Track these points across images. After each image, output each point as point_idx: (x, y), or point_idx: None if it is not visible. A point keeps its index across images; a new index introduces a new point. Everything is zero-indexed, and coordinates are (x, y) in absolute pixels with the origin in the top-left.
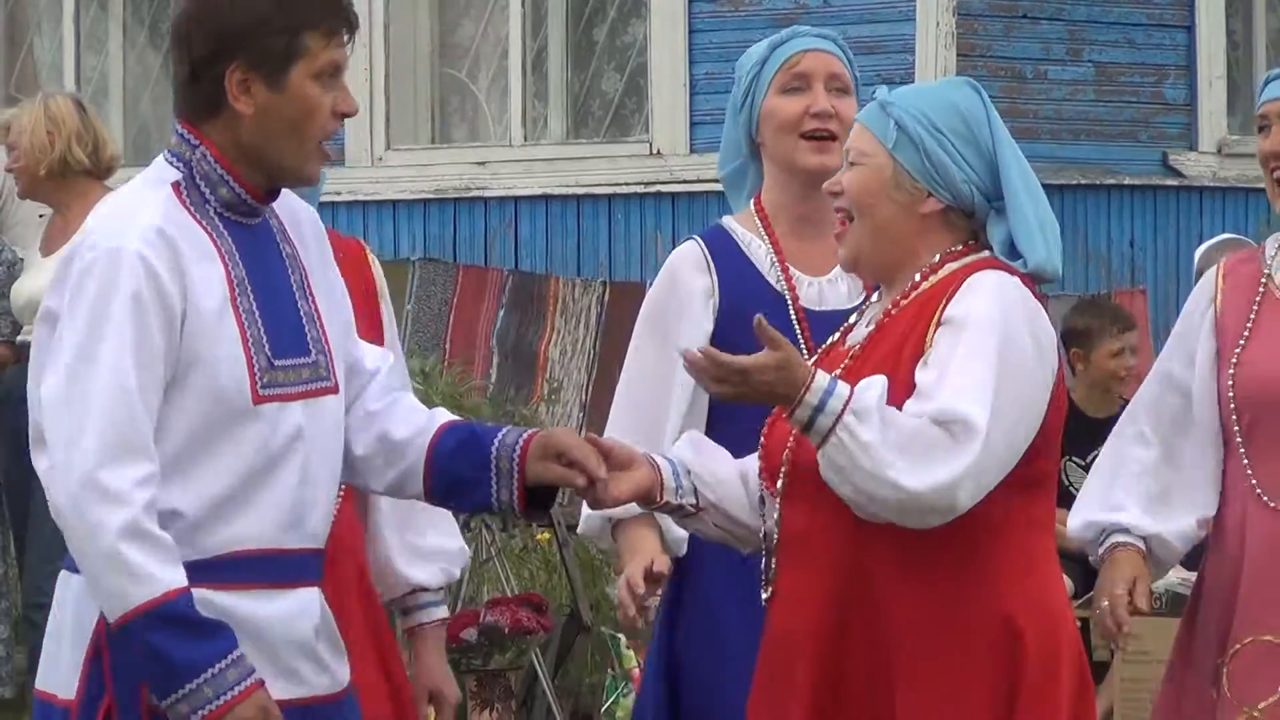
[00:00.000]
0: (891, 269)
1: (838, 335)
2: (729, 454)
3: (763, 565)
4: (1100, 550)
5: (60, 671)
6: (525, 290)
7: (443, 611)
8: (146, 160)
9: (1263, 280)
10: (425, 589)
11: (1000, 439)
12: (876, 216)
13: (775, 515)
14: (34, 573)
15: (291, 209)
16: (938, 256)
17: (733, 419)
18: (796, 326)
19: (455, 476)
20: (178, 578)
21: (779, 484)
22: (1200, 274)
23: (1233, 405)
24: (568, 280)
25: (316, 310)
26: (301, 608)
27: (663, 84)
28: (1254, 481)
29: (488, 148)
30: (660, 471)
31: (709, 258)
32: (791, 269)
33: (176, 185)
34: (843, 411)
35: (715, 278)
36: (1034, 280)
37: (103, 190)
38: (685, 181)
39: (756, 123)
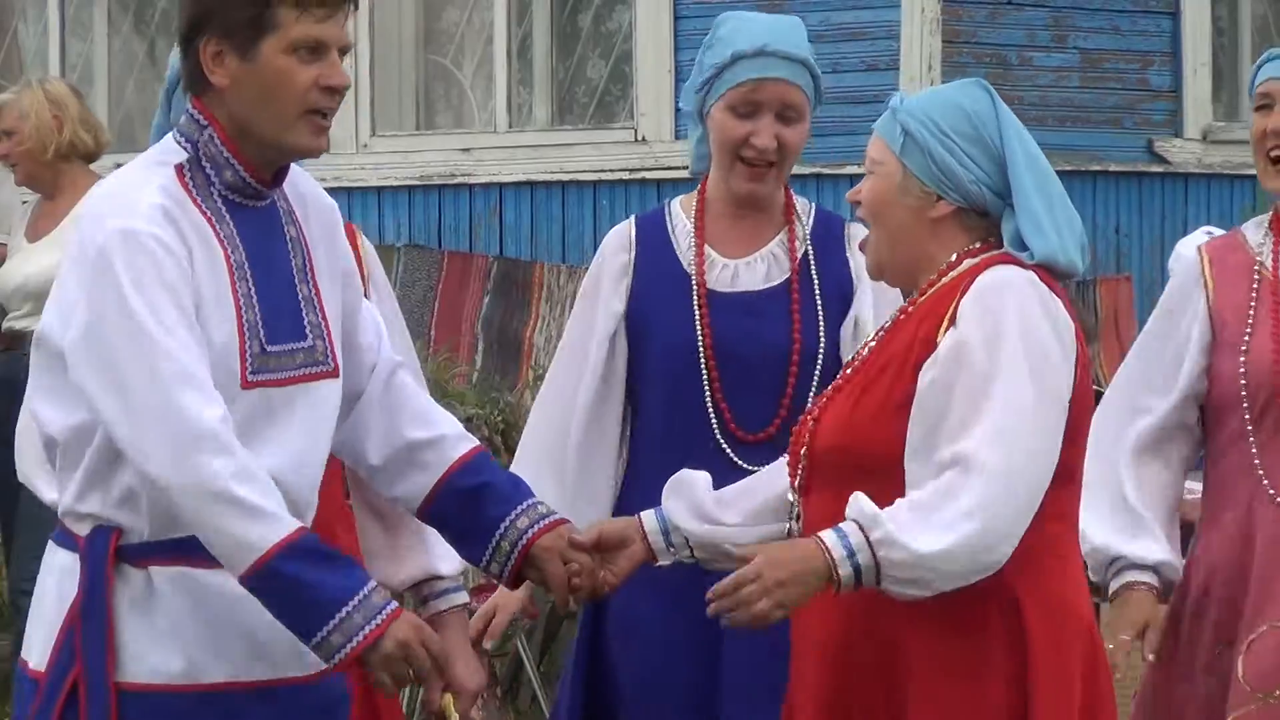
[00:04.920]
0: (911, 273)
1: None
2: (750, 490)
3: None
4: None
5: (35, 641)
6: (510, 277)
7: (463, 597)
8: (131, 147)
9: (1256, 268)
10: (440, 577)
11: (1028, 458)
12: (890, 223)
13: (796, 510)
14: (22, 557)
15: (299, 190)
16: (954, 256)
17: (653, 384)
18: (696, 306)
19: (456, 525)
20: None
21: (798, 479)
22: None
23: (1243, 394)
24: (552, 267)
25: (318, 294)
26: None
27: (647, 71)
28: (1260, 473)
29: (473, 134)
30: (649, 540)
31: (634, 237)
32: (711, 251)
33: (180, 168)
34: (869, 541)
35: (634, 256)
36: (1048, 273)
37: (91, 176)
38: (670, 168)
39: (708, 112)
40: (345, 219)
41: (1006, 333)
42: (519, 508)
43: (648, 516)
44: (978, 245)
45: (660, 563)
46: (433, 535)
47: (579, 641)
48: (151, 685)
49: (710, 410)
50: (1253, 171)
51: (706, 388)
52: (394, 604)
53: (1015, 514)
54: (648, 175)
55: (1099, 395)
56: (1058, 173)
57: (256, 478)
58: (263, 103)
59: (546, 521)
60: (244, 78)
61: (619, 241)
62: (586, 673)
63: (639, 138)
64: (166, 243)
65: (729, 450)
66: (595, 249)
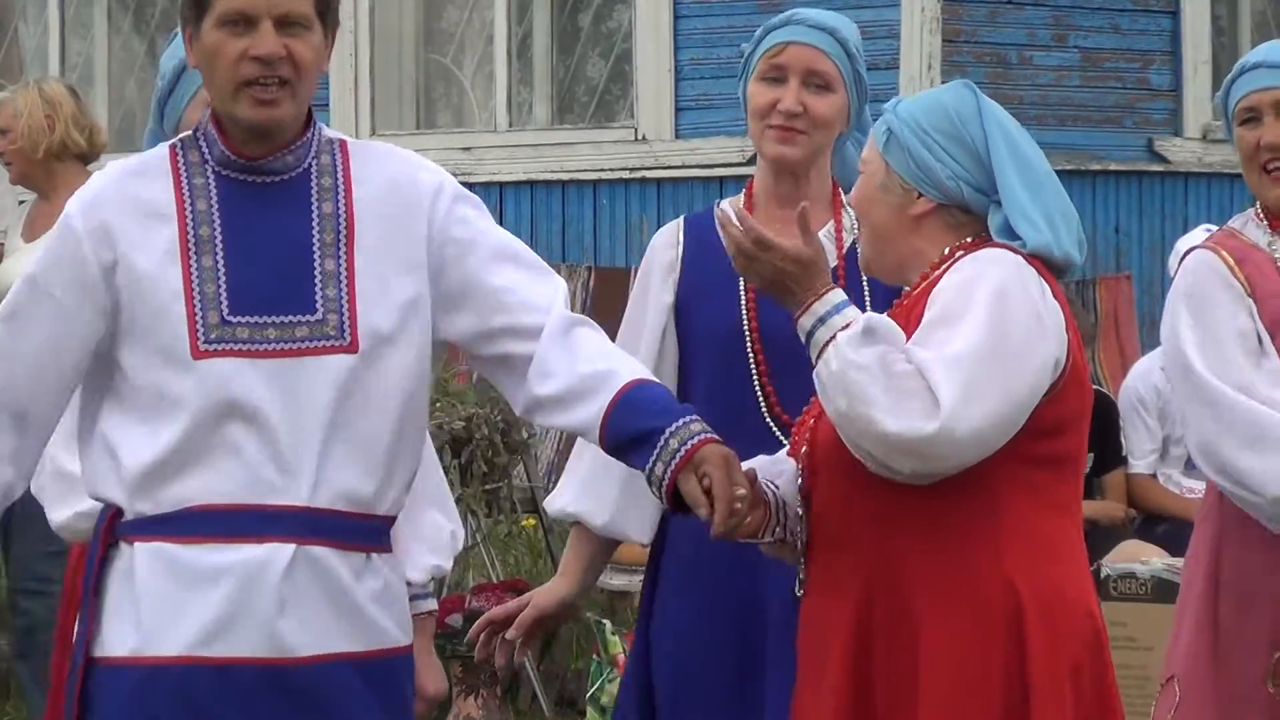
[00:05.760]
0: (899, 269)
1: None
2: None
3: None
4: None
5: None
6: None
7: (429, 604)
8: (131, 146)
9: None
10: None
11: (979, 411)
12: (873, 219)
13: (804, 499)
14: (22, 556)
15: (375, 170)
16: (946, 250)
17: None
18: (743, 299)
19: (628, 432)
20: None
21: (801, 474)
22: None
23: None
24: (552, 265)
25: (350, 270)
26: (263, 563)
27: (648, 70)
28: None
29: (473, 134)
30: (770, 510)
31: (682, 235)
32: None
33: (173, 146)
34: (844, 327)
35: (681, 252)
36: (1044, 265)
37: (86, 177)
38: (670, 167)
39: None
40: None
41: (978, 293)
42: (692, 415)
43: (771, 496)
44: (969, 240)
45: (763, 539)
46: (410, 545)
47: (634, 646)
48: (113, 658)
49: (759, 395)
50: None
51: (754, 371)
52: None
53: (925, 471)
54: (648, 174)
55: (1099, 394)
56: (1058, 172)
57: None
58: (209, 79)
59: (716, 436)
60: (199, 56)
61: (667, 239)
62: (641, 681)
63: (639, 137)
64: (78, 234)
65: (779, 434)
66: (595, 248)
